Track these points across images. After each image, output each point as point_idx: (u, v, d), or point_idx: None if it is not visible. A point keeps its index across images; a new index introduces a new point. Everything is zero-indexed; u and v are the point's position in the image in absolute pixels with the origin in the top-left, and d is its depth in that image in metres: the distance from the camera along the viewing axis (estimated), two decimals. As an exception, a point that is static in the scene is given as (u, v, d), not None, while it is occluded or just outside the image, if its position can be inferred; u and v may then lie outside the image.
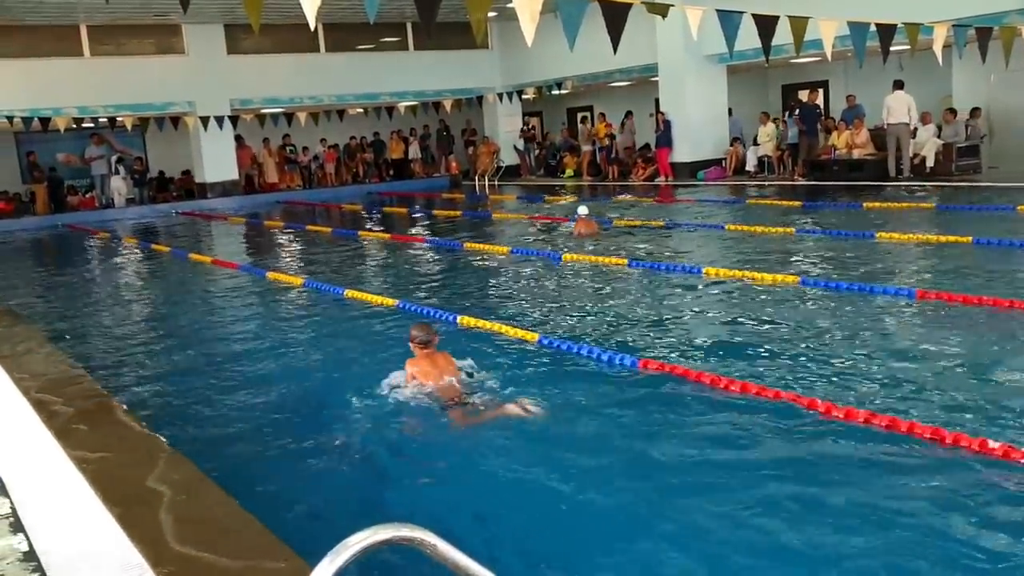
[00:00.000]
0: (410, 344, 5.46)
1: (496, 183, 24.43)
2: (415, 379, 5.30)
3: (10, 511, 3.60)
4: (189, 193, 24.33)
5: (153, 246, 15.54)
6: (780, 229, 11.62)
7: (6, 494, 3.77)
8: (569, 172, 24.60)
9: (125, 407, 5.13)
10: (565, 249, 11.17)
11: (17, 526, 3.43)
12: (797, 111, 19.15)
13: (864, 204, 13.62)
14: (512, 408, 4.96)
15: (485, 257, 11.51)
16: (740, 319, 7.16)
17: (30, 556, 3.16)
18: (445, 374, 5.31)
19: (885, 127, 16.77)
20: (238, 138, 23.94)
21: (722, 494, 3.93)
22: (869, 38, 10.63)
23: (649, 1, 8.15)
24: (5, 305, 9.53)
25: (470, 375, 5.57)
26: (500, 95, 25.19)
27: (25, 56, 20.62)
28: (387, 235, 14.56)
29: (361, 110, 26.13)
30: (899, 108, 16.33)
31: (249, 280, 10.97)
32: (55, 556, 3.11)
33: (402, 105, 24.77)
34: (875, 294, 7.54)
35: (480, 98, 25.28)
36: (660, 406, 5.15)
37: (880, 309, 7.13)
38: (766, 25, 9.44)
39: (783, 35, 9.67)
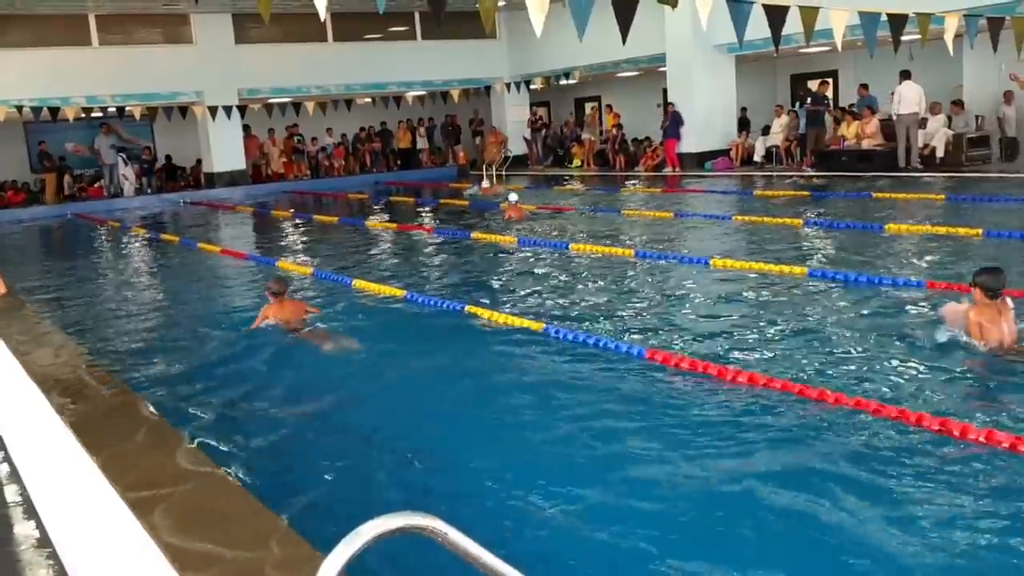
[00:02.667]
0: (267, 293, 7.18)
1: (503, 173, 24.40)
2: (267, 319, 7.03)
3: (24, 498, 3.63)
4: (196, 182, 24.40)
5: (162, 236, 15.58)
6: (788, 220, 11.60)
7: (19, 481, 3.80)
8: (576, 162, 24.57)
9: (135, 394, 5.16)
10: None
11: (31, 512, 3.46)
12: (808, 100, 19.07)
13: (873, 195, 13.58)
14: (331, 338, 6.87)
15: (491, 247, 11.53)
16: (747, 310, 7.16)
17: (44, 542, 3.19)
18: (292, 315, 7.03)
19: (895, 117, 16.70)
20: (246, 128, 23.95)
21: (726, 485, 3.94)
22: (880, 28, 10.58)
23: (658, -9, 8.12)
24: (15, 293, 9.56)
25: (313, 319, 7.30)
26: (508, 85, 25.14)
27: (34, 46, 20.66)
28: (394, 224, 14.57)
29: (369, 100, 26.11)
30: (910, 98, 16.26)
31: (258, 270, 11.00)
32: (68, 542, 3.14)
33: (410, 95, 24.76)
34: (883, 286, 7.52)
35: (488, 88, 25.24)
36: (665, 396, 5.17)
37: (888, 301, 7.12)
38: (776, 15, 9.40)
39: (793, 24, 9.63)
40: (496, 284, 9.23)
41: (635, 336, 6.55)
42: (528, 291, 8.54)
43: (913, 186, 14.47)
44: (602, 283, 8.73)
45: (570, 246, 10.66)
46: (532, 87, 25.85)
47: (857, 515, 3.59)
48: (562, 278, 9.20)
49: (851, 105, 19.01)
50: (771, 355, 5.86)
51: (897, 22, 10.60)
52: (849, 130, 18.04)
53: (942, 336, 5.56)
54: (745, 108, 21.45)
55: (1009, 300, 5.39)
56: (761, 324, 6.66)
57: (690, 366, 5.55)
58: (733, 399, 5.00)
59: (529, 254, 10.74)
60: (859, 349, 5.84)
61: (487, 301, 8.00)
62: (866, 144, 17.56)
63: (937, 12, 10.99)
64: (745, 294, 7.70)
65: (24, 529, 3.34)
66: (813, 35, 9.78)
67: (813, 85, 20.21)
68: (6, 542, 3.24)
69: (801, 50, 18.96)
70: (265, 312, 7.07)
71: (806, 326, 6.52)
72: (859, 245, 9.71)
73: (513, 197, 14.40)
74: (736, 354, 5.90)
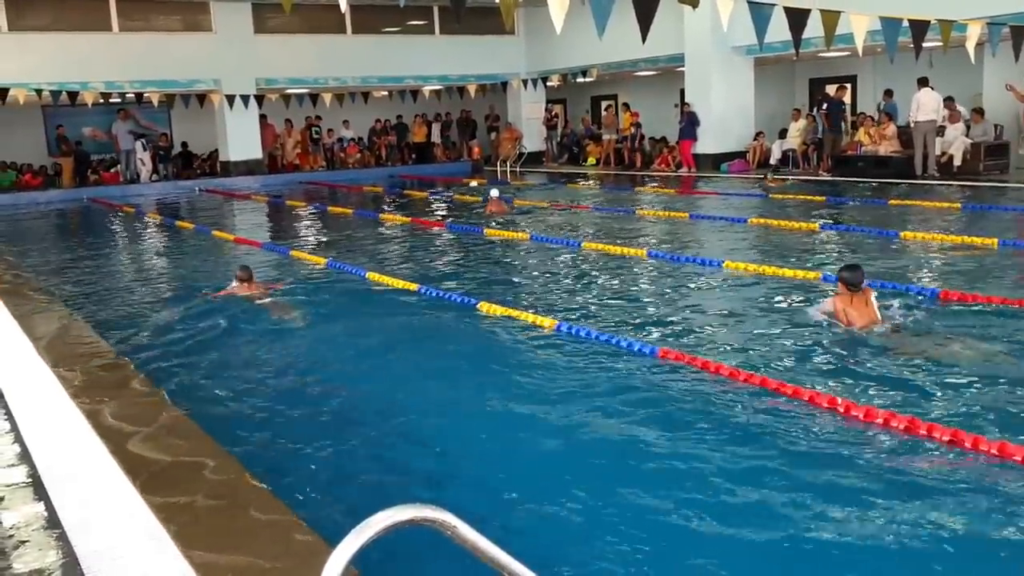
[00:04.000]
0: (236, 278, 8.32)
1: (518, 169, 24.40)
2: (234, 293, 8.22)
3: (34, 479, 3.65)
4: (212, 170, 24.49)
5: (177, 222, 15.65)
6: (804, 224, 11.57)
7: (30, 462, 3.82)
8: (591, 160, 24.54)
9: (146, 379, 5.18)
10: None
11: (41, 494, 3.48)
12: (824, 105, 19.00)
13: (889, 201, 13.52)
14: (283, 308, 7.89)
15: (505, 243, 11.54)
16: (760, 313, 7.14)
17: (53, 523, 3.21)
18: (254, 291, 8.19)
19: (912, 125, 16.62)
20: (262, 117, 24.00)
21: (733, 487, 3.93)
22: (901, 34, 10.53)
23: (680, -9, 8.10)
24: (30, 276, 9.62)
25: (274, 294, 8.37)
26: (524, 81, 25.13)
27: (54, 29, 20.76)
28: (408, 218, 14.59)
29: (385, 93, 26.14)
30: (928, 105, 16.18)
31: (272, 258, 11.03)
32: (77, 524, 3.16)
33: (426, 89, 24.77)
34: (897, 293, 7.49)
35: (504, 84, 25.23)
36: (676, 396, 5.16)
37: (902, 309, 7.08)
38: (797, 18, 9.37)
39: (813, 28, 9.60)
40: (508, 280, 9.23)
41: (647, 335, 6.54)
42: (540, 288, 8.54)
43: (929, 194, 14.40)
44: (614, 282, 8.72)
45: (583, 244, 10.66)
46: (549, 84, 25.83)
47: (863, 522, 3.58)
48: (574, 276, 9.20)
49: (879, 107, 18.87)
50: (783, 359, 5.84)
51: (919, 28, 10.56)
52: (866, 135, 17.96)
53: (817, 318, 6.52)
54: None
55: (872, 291, 6.41)
56: (775, 328, 6.64)
57: (702, 366, 5.54)
58: (745, 400, 4.99)
59: (542, 251, 10.74)
60: (871, 357, 5.82)
61: (499, 297, 8.01)
62: (883, 150, 17.49)
63: (960, 19, 10.94)
64: (758, 297, 7.68)
65: (34, 510, 3.36)
66: (833, 39, 9.76)
67: (831, 90, 20.14)
68: (16, 524, 3.26)
69: (820, 54, 18.88)
70: (232, 289, 8.28)
71: (821, 332, 6.50)
72: (874, 251, 9.66)
73: (494, 193, 15.12)
74: (747, 356, 5.88)
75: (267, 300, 8.16)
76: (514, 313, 7.18)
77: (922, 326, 6.46)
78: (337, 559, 1.69)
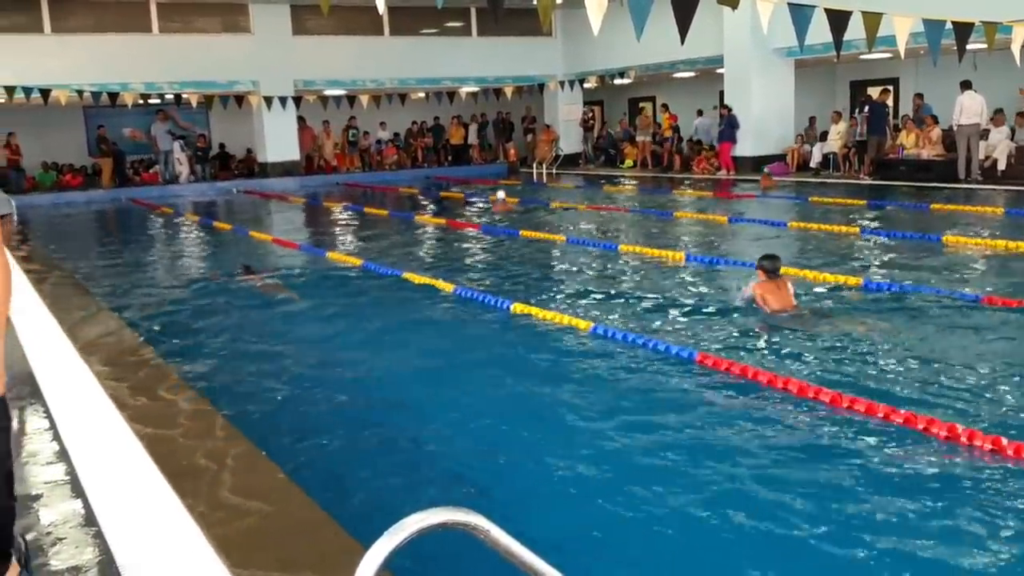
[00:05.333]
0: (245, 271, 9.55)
1: (554, 171, 24.35)
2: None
3: (71, 476, 3.68)
4: (249, 171, 24.72)
5: (214, 222, 15.79)
6: (844, 228, 11.42)
7: (68, 460, 3.85)
8: (628, 163, 24.43)
9: (182, 379, 5.22)
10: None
11: (78, 491, 3.51)
12: (866, 108, 18.74)
13: (931, 205, 13.31)
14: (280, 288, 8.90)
15: (541, 245, 11.51)
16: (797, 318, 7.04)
17: (90, 520, 3.23)
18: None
19: (955, 128, 16.34)
20: (300, 119, 24.17)
21: (769, 493, 3.87)
22: (944, 36, 10.35)
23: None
24: (69, 275, 9.75)
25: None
26: (562, 83, 25.08)
27: (95, 31, 21.06)
28: (444, 220, 14.61)
29: (422, 94, 26.23)
30: (972, 108, 15.90)
31: (309, 260, 11.09)
32: (114, 522, 3.17)
33: (463, 90, 24.81)
34: (939, 297, 7.36)
35: (541, 85, 25.20)
36: (712, 401, 5.10)
37: (943, 314, 6.96)
38: (838, 20, 9.24)
39: (855, 30, 9.45)
40: (543, 282, 9.19)
41: (684, 338, 6.47)
42: (575, 290, 8.49)
43: (972, 198, 14.15)
44: (652, 285, 8.65)
45: (619, 247, 10.59)
46: (586, 86, 25.75)
47: (901, 526, 3.51)
48: (610, 278, 9.14)
49: (918, 109, 18.60)
50: (824, 365, 5.75)
51: (962, 30, 10.37)
52: (909, 139, 17.70)
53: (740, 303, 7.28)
54: (813, 117, 21.17)
55: (788, 280, 7.24)
56: (816, 333, 6.54)
57: (740, 372, 5.46)
58: (782, 408, 4.92)
59: (578, 253, 10.70)
60: (912, 362, 5.71)
61: (534, 298, 7.98)
62: (926, 154, 17.22)
63: (1005, 21, 10.74)
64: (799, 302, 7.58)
65: (71, 507, 3.38)
66: (875, 41, 9.61)
67: (873, 92, 19.86)
68: (54, 521, 3.28)
69: (862, 56, 18.63)
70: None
71: (861, 338, 6.39)
72: (916, 256, 9.51)
73: (500, 195, 16.43)
74: (788, 363, 5.80)
75: (260, 285, 8.90)
76: (549, 315, 7.15)
77: (833, 310, 7.21)
78: (369, 562, 1.67)
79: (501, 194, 16.53)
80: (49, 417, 4.50)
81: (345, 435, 4.86)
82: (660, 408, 5.03)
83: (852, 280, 8.09)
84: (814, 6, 9.16)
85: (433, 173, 25.19)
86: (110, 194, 21.99)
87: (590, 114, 27.15)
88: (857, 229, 11.34)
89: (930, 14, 10.27)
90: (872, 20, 9.46)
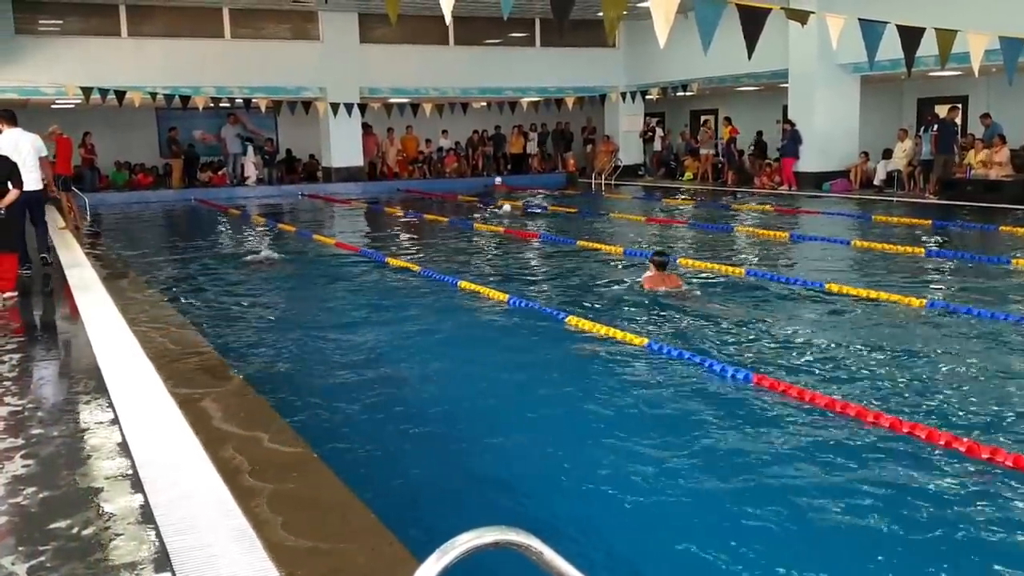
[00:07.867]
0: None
1: (613, 182, 24.27)
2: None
3: (132, 471, 3.76)
4: (312, 176, 25.08)
5: (279, 225, 16.05)
6: (909, 248, 11.19)
7: (129, 455, 3.94)
8: (688, 176, 24.25)
9: (243, 379, 5.31)
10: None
11: (137, 487, 3.59)
12: (935, 127, 18.33)
13: (1000, 227, 12.98)
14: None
15: (596, 255, 11.48)
16: (859, 340, 6.90)
17: (147, 517, 3.30)
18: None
19: (1027, 148, 15.93)
20: (366, 126, 24.45)
21: (828, 517, 3.80)
22: (1021, 54, 10.08)
23: (789, 8, 7.92)
24: (137, 272, 9.98)
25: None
26: (623, 94, 25.03)
27: (169, 36, 21.63)
28: (501, 228, 14.64)
29: (484, 104, 26.37)
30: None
31: (369, 264, 11.20)
32: (171, 519, 3.23)
33: (525, 100, 24.87)
34: (1008, 322, 7.16)
35: (603, 96, 25.17)
36: (770, 424, 5.03)
37: (1011, 339, 6.77)
38: (910, 37, 9.06)
39: (925, 46, 9.26)
40: (599, 294, 9.15)
41: (742, 358, 6.39)
42: (631, 304, 8.44)
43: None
44: (709, 301, 8.57)
45: (678, 260, 10.51)
46: (648, 97, 25.63)
47: (960, 560, 3.42)
48: (666, 292, 9.06)
49: (987, 130, 18.14)
50: (883, 389, 5.63)
51: (1040, 48, 10.08)
52: (977, 158, 17.28)
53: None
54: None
55: (676, 273, 9.12)
56: (878, 356, 6.42)
57: (798, 395, 5.37)
58: (841, 432, 4.83)
59: (635, 266, 10.64)
60: (979, 389, 5.57)
61: (589, 311, 7.95)
62: (994, 174, 16.80)
63: (1085, 39, 10.41)
64: (861, 323, 7.44)
65: (130, 503, 3.46)
66: (948, 58, 9.40)
67: (941, 110, 19.44)
68: (113, 515, 3.36)
69: (931, 73, 18.25)
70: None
71: (921, 361, 6.25)
72: (983, 278, 9.28)
73: (506, 207, 17.96)
74: (847, 387, 5.69)
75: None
76: (603, 329, 7.11)
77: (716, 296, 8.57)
78: (420, 579, 1.67)
79: (507, 207, 17.93)
80: (112, 409, 4.61)
81: (400, 442, 4.89)
82: (710, 426, 4.98)
83: (916, 300, 7.92)
84: (886, 23, 8.99)
85: (492, 182, 25.25)
86: (179, 194, 22.56)
87: (652, 124, 27.00)
88: (922, 249, 11.10)
89: (1006, 31, 10.00)
90: (946, 37, 9.24)
